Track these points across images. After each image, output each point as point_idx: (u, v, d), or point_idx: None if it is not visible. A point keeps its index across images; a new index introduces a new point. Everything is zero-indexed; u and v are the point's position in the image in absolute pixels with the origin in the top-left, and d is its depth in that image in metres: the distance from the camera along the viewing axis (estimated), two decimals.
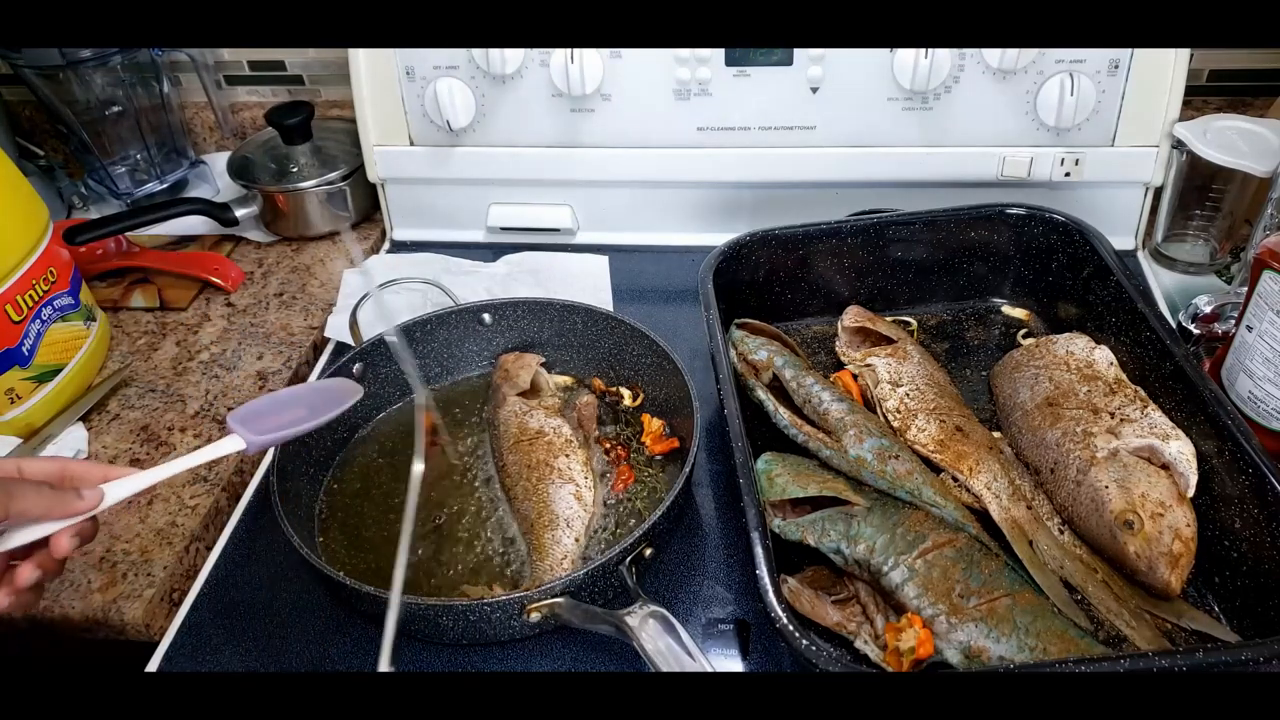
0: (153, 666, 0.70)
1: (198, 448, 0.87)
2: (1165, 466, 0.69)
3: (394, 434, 0.85)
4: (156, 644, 0.71)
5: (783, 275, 0.90)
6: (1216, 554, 0.66)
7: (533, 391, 0.85)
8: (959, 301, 0.94)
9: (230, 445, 0.66)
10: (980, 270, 0.92)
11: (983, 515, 0.70)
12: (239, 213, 1.12)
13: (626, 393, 0.86)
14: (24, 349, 0.85)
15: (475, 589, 0.70)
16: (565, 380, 0.89)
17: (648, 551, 0.69)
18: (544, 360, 0.89)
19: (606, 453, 0.80)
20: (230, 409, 0.90)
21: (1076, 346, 0.80)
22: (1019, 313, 0.92)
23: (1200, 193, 0.97)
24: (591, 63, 0.96)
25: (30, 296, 0.85)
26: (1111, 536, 0.66)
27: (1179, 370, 0.71)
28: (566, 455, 0.77)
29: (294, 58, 1.26)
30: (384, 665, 0.52)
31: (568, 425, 0.81)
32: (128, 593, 0.74)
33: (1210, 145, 0.91)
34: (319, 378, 0.83)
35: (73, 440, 0.86)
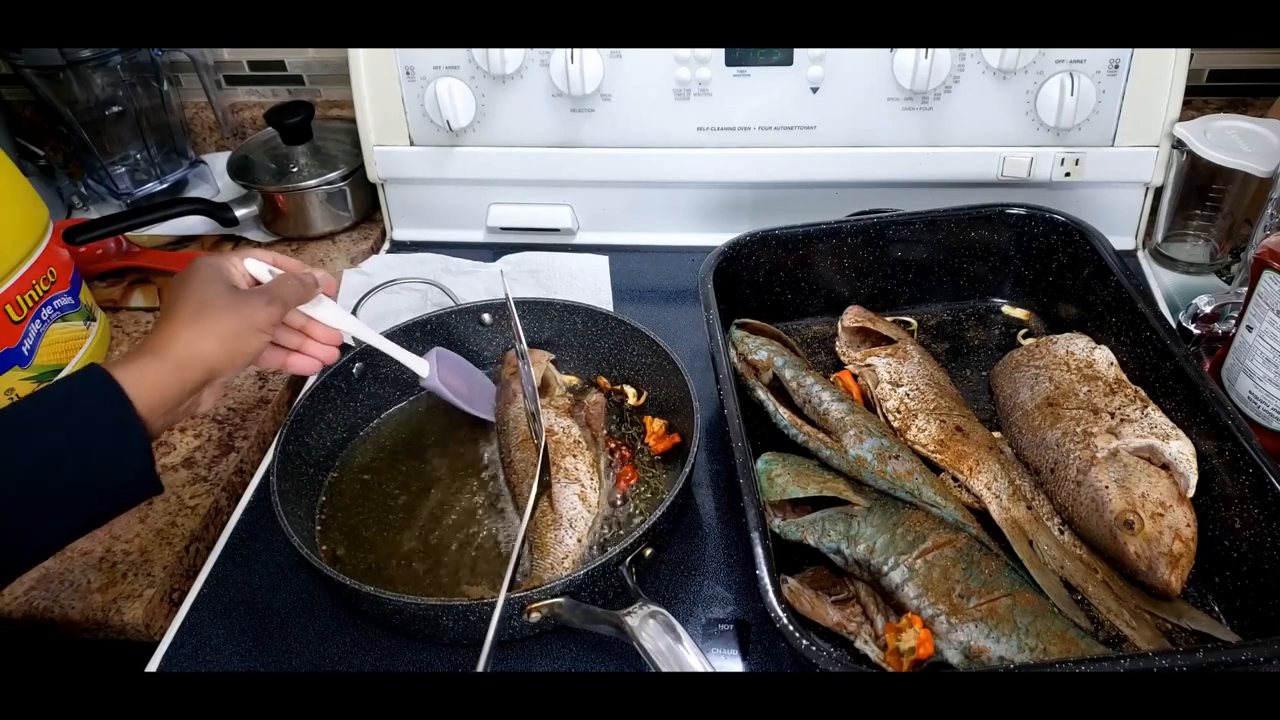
0: (153, 666, 0.70)
1: (199, 448, 0.88)
2: (1165, 466, 0.69)
3: (394, 434, 0.85)
4: (156, 644, 0.71)
5: (783, 275, 0.90)
6: (1216, 554, 0.66)
7: (542, 389, 0.85)
8: (959, 301, 0.94)
9: (419, 364, 0.78)
10: (980, 270, 0.92)
11: (983, 515, 0.70)
12: (239, 213, 1.12)
13: (631, 391, 0.86)
14: (24, 349, 0.85)
15: (475, 589, 0.70)
16: (572, 380, 0.89)
17: (648, 551, 0.69)
18: (553, 357, 0.88)
19: (611, 453, 0.80)
20: (231, 409, 0.91)
21: (1076, 346, 0.80)
22: (1019, 313, 0.92)
23: (1200, 193, 0.97)
24: (591, 63, 0.96)
25: (30, 297, 0.85)
26: (1112, 536, 0.66)
27: (1179, 370, 0.71)
28: (574, 455, 0.77)
29: (294, 58, 1.26)
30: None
31: (576, 425, 0.81)
32: (128, 593, 0.74)
33: (1210, 145, 0.91)
34: (317, 379, 0.83)
35: None
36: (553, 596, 0.63)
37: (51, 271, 0.88)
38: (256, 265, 0.69)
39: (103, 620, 0.73)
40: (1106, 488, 0.67)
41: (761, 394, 0.77)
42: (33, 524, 0.53)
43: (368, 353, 0.85)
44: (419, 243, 1.12)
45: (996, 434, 0.78)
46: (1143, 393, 0.74)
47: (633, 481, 0.78)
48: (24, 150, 1.24)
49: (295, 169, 1.12)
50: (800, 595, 0.65)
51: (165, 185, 1.22)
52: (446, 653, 0.69)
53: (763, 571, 0.58)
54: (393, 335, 0.86)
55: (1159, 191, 0.99)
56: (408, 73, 1.01)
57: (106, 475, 0.55)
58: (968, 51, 0.94)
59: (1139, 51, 0.92)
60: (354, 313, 0.91)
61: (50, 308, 0.88)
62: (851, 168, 1.01)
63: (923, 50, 0.92)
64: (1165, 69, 0.93)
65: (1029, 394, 0.77)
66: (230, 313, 0.62)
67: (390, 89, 1.02)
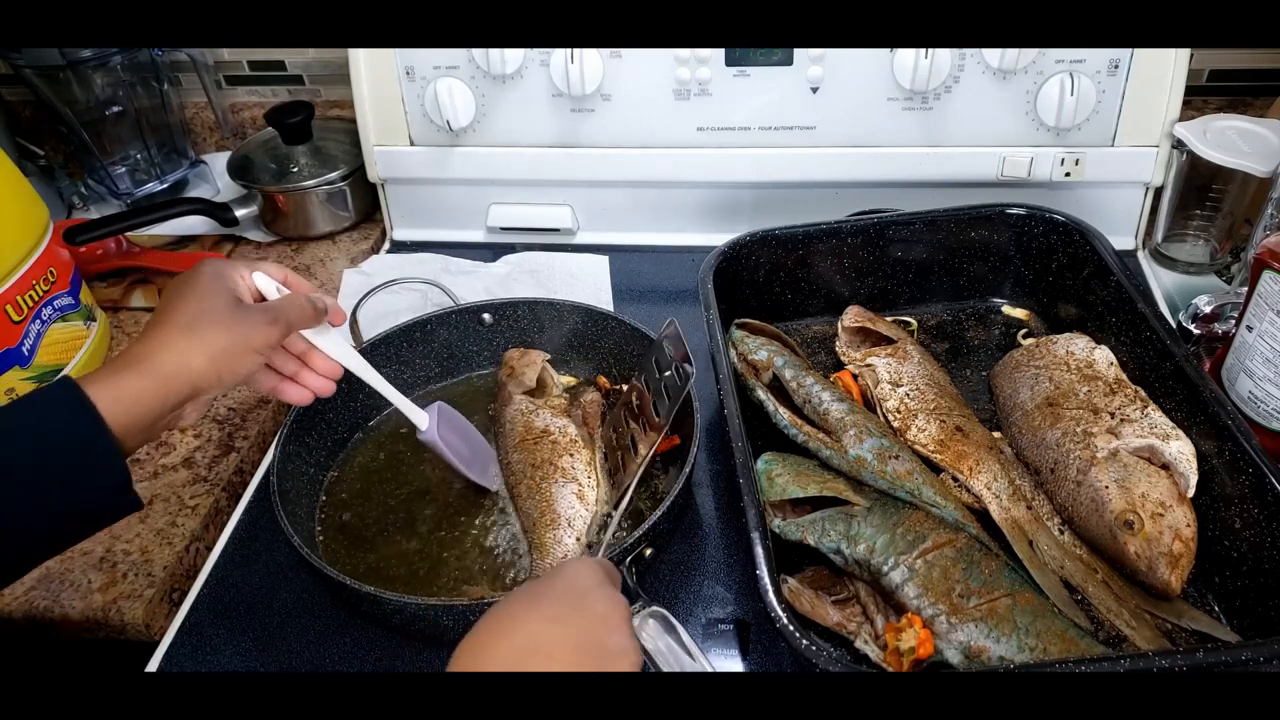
0: (153, 666, 0.70)
1: (199, 448, 0.88)
2: (1165, 466, 0.69)
3: (394, 434, 0.85)
4: (156, 644, 0.71)
5: (783, 275, 0.90)
6: (1216, 554, 0.66)
7: (539, 389, 0.85)
8: (959, 301, 0.94)
9: (419, 417, 0.74)
10: (980, 270, 0.92)
11: (983, 515, 0.70)
12: (239, 213, 1.12)
13: None
14: (24, 349, 0.85)
15: (475, 589, 0.70)
16: (569, 380, 0.89)
17: (648, 551, 0.69)
18: (549, 356, 0.88)
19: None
20: (231, 409, 0.91)
21: (1076, 346, 0.80)
22: (1019, 313, 0.92)
23: (1200, 193, 0.97)
24: (591, 63, 0.96)
25: (30, 297, 0.85)
26: (1112, 536, 0.66)
27: (1179, 370, 0.71)
28: (571, 455, 0.77)
29: (294, 58, 1.26)
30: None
31: (573, 425, 0.81)
32: (128, 593, 0.74)
33: (1210, 145, 0.91)
34: None
35: None
36: None
37: (51, 271, 0.88)
38: (265, 281, 0.65)
39: (103, 620, 0.73)
40: (1106, 488, 0.67)
41: (761, 394, 0.77)
42: None
43: (368, 353, 0.84)
44: (419, 243, 1.12)
45: (996, 434, 0.78)
46: (1143, 393, 0.74)
47: None
48: (24, 150, 1.24)
49: (295, 169, 1.12)
50: (800, 595, 0.65)
51: (165, 185, 1.22)
52: (446, 653, 0.68)
53: (763, 571, 0.58)
54: (392, 336, 0.86)
55: (1159, 191, 0.99)
56: (408, 73, 1.01)
57: (79, 496, 0.53)
58: (968, 51, 0.94)
59: (1139, 51, 0.92)
60: (354, 313, 0.91)
61: (50, 308, 0.88)
62: (851, 168, 1.01)
63: (923, 50, 0.92)
64: (1165, 69, 0.93)
65: (1029, 394, 0.77)
66: (227, 329, 0.58)
67: (390, 89, 1.02)
